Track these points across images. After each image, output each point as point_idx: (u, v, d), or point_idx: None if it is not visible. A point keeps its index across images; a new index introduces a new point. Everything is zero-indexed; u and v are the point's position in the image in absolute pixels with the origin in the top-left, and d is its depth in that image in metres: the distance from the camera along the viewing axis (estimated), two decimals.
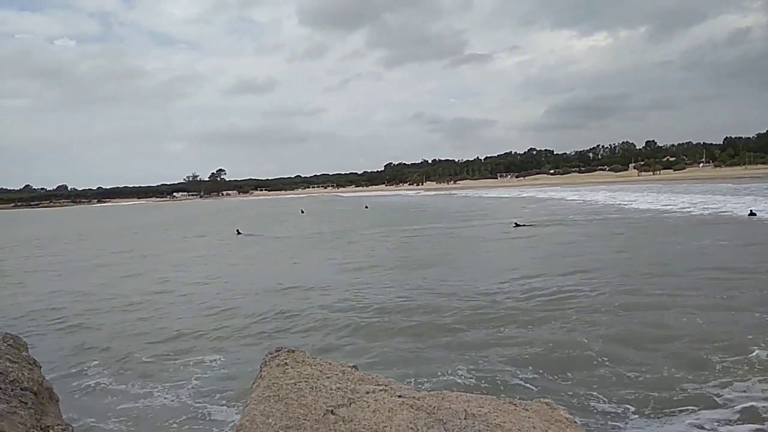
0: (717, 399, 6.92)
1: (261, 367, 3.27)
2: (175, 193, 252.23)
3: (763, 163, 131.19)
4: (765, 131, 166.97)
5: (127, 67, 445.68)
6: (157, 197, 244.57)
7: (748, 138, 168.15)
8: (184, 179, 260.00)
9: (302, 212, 69.38)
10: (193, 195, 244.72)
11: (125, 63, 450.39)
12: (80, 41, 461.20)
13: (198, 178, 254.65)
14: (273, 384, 3.00)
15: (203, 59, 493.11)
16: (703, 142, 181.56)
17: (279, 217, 62.67)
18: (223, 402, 7.99)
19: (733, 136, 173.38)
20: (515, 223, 32.29)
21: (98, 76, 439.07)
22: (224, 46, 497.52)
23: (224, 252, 29.43)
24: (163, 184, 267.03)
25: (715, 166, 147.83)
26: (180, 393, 8.46)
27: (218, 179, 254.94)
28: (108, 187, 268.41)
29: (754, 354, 8.19)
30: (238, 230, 40.14)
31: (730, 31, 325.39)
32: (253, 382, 3.16)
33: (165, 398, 8.30)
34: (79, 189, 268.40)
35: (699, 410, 6.67)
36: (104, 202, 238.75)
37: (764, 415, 6.39)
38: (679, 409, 6.81)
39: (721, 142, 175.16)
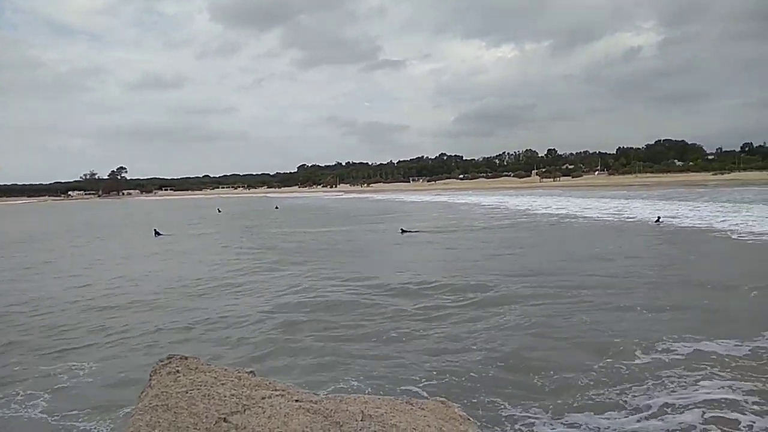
0: (616, 402, 7.21)
1: (150, 375, 3.09)
2: (70, 192, 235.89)
3: (652, 172, 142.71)
4: (654, 142, 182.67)
5: (22, 57, 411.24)
6: (50, 196, 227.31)
7: (639, 148, 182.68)
8: (81, 177, 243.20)
9: (219, 211, 70.83)
10: (90, 194, 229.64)
11: (20, 52, 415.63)
12: None
13: (96, 176, 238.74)
14: (162, 393, 2.84)
15: (106, 52, 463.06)
16: (599, 152, 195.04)
17: (195, 217, 61.17)
18: (89, 415, 7.47)
19: (626, 147, 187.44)
20: (401, 230, 32.54)
21: None
22: (129, 39, 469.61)
23: (140, 254, 28.02)
24: (57, 182, 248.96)
25: (609, 174, 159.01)
26: (45, 405, 7.86)
27: (119, 177, 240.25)
28: None
29: (638, 360, 8.64)
30: (156, 231, 38.40)
31: (624, 48, 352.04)
32: (141, 392, 2.98)
33: (30, 411, 7.66)
34: None
35: (596, 414, 6.88)
36: None
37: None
38: (577, 410, 7.07)
39: (615, 152, 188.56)
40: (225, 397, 2.84)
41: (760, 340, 9.19)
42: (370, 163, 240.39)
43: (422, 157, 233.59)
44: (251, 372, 3.25)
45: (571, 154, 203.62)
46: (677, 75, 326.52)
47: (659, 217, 32.21)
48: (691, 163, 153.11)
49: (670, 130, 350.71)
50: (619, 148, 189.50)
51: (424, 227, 35.14)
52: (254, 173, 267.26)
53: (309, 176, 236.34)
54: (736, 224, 28.19)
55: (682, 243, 23.18)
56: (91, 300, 15.67)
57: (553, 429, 6.57)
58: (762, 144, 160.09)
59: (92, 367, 9.45)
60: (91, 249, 31.53)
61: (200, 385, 2.93)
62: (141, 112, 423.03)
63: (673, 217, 33.32)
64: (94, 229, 48.70)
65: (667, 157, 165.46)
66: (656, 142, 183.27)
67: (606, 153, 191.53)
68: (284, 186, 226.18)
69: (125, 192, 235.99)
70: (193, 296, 15.57)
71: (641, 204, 47.09)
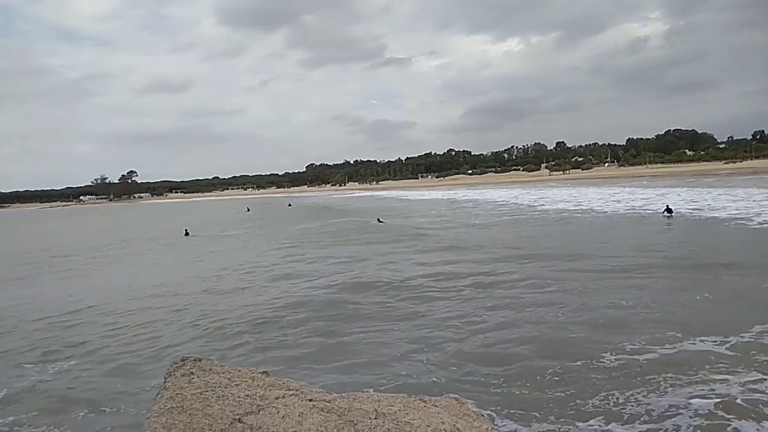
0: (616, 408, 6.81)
1: (165, 378, 3.12)
2: (82, 197, 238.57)
3: (662, 163, 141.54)
4: (663, 132, 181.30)
5: (32, 65, 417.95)
6: (62, 201, 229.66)
7: (648, 139, 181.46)
8: (92, 182, 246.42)
9: (248, 210, 75.98)
10: (102, 198, 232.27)
11: (29, 60, 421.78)
12: None
13: (107, 181, 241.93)
14: (177, 395, 2.87)
15: (114, 57, 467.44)
16: (608, 143, 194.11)
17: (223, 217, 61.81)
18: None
19: (635, 137, 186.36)
20: (377, 219, 37.31)
21: None
22: (136, 44, 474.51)
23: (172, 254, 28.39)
24: (68, 188, 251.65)
25: (620, 166, 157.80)
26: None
27: (129, 181, 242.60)
28: (6, 191, 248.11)
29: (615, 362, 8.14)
30: (186, 231, 39.38)
31: (629, 39, 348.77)
32: (156, 394, 3.01)
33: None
34: None
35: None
36: (3, 207, 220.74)
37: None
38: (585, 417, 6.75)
39: (624, 143, 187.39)
40: (239, 397, 2.86)
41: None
42: (378, 161, 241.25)
43: (430, 153, 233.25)
44: (265, 372, 3.28)
45: (581, 146, 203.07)
46: (685, 64, 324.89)
47: (668, 207, 30.38)
48: (702, 152, 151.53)
49: (680, 119, 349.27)
50: (629, 139, 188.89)
51: (423, 224, 35.56)
52: (263, 174, 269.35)
53: (318, 175, 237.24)
54: (751, 212, 27.57)
55: (693, 235, 22.71)
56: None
57: None
58: None
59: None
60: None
61: (215, 387, 2.96)
62: (149, 115, 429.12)
63: (688, 208, 32.30)
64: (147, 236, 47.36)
65: (678, 147, 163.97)
66: (666, 132, 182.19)
67: (616, 144, 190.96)
68: (293, 186, 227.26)
69: (136, 195, 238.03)
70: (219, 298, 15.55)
71: (653, 195, 46.26)
